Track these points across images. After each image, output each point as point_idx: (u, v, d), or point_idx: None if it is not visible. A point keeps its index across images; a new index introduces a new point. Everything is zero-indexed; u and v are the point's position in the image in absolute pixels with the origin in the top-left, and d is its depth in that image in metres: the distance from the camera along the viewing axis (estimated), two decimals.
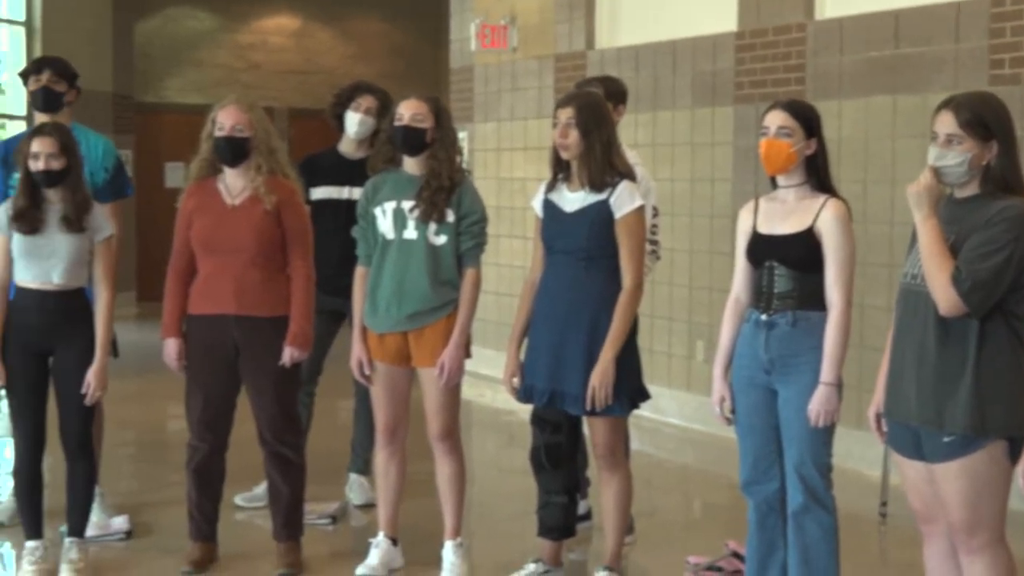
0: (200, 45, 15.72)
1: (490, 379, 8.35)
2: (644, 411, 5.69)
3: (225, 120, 5.07)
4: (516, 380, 4.98)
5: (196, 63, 15.71)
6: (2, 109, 14.12)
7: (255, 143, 5.08)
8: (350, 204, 5.94)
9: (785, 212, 4.32)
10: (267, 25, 16.07)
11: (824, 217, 4.25)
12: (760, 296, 4.34)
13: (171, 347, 5.17)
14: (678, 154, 8.61)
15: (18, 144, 5.47)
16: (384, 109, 6.12)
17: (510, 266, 9.70)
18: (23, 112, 13.55)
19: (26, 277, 5.03)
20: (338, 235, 5.76)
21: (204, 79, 15.64)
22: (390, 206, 5.07)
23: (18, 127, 13.51)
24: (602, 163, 4.81)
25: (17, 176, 5.23)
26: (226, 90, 14.68)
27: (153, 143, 15.18)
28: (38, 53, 13.18)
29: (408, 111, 5.04)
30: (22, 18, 13.58)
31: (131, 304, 14.14)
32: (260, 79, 15.76)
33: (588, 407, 4.77)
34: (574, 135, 4.80)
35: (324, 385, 6.32)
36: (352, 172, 6.03)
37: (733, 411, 4.44)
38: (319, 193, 6.07)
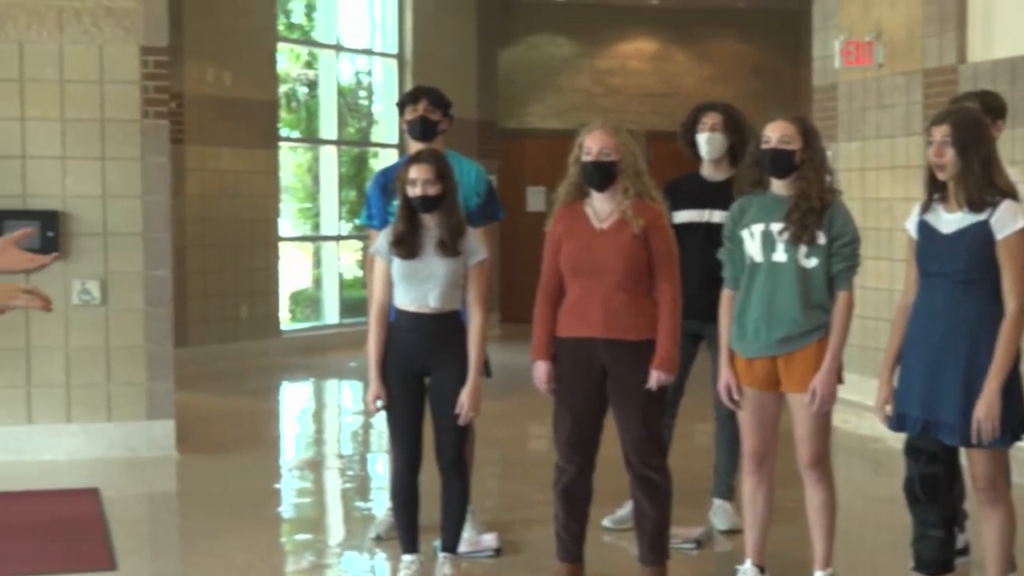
0: (561, 71, 16.05)
1: (855, 405, 8.11)
2: None
3: (592, 144, 5.12)
4: (889, 408, 4.80)
5: (556, 89, 16.05)
6: (376, 138, 14.83)
7: (622, 167, 5.11)
8: (709, 227, 5.91)
9: None
10: (626, 49, 16.25)
11: None
12: None
13: (541, 369, 5.24)
14: None
15: (396, 172, 5.72)
16: (730, 123, 6.07)
17: (876, 289, 9.40)
18: (395, 140, 14.19)
19: (404, 300, 5.23)
20: (699, 258, 5.74)
21: (564, 104, 15.96)
22: (758, 228, 5.00)
23: (390, 156, 14.17)
24: (981, 182, 4.58)
25: (396, 203, 5.46)
26: (585, 115, 14.92)
27: (515, 168, 15.57)
28: (409, 84, 13.78)
29: (775, 133, 4.96)
30: (395, 51, 14.22)
31: (495, 325, 14.54)
32: (619, 103, 15.94)
33: (973, 440, 4.55)
34: (950, 154, 4.60)
35: (682, 407, 6.29)
36: (714, 195, 6.00)
37: None
38: (681, 217, 6.06)
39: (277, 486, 7.67)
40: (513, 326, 14.25)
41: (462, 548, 5.50)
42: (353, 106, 15.04)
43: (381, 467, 8.13)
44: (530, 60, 16.00)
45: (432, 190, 5.15)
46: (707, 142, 6.16)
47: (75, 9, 7.73)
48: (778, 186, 5.02)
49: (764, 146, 4.98)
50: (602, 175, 5.10)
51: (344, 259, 14.53)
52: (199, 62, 11.85)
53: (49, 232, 7.64)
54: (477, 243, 5.27)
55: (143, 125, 7.87)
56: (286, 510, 7.13)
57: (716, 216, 5.96)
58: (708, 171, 6.24)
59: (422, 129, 5.88)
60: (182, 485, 7.59)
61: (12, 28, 7.68)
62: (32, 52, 7.72)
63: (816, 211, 4.91)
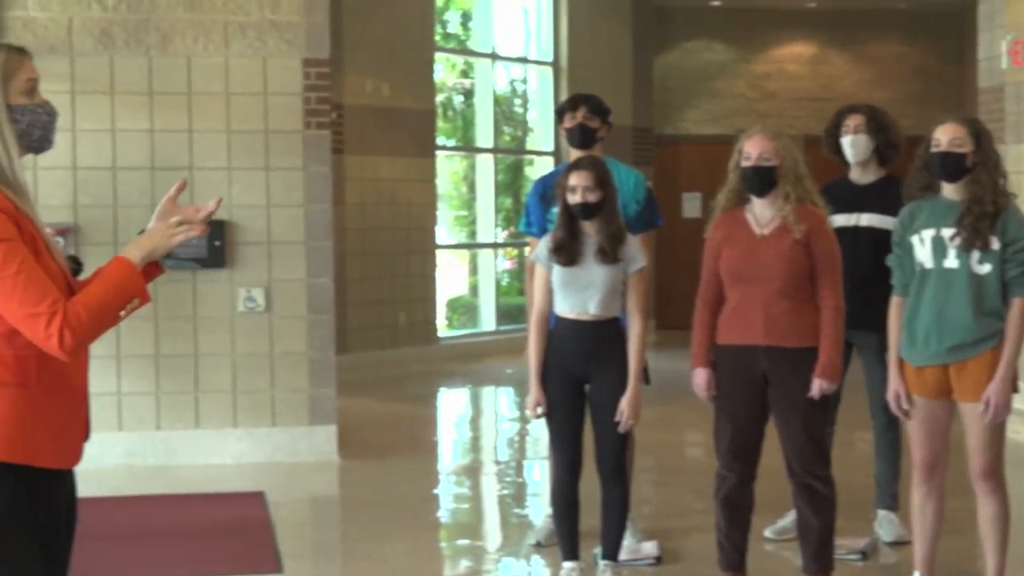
0: (717, 76, 15.92)
1: None
2: None
3: (752, 150, 5.05)
4: None
5: (712, 94, 15.93)
6: (531, 146, 14.89)
7: (782, 171, 5.03)
8: (856, 231, 5.80)
9: None
10: (783, 53, 16.05)
11: None
12: None
13: (700, 376, 5.19)
14: None
15: (556, 179, 5.72)
16: (873, 124, 5.95)
17: None
18: (550, 148, 14.23)
19: (564, 307, 5.24)
20: (847, 263, 5.62)
21: (720, 109, 15.83)
22: (928, 234, 4.88)
23: (545, 163, 14.21)
24: None
25: (555, 210, 5.46)
26: (742, 120, 14.77)
27: (671, 174, 15.49)
28: (564, 92, 13.81)
29: (945, 136, 4.83)
30: (550, 59, 14.26)
31: (651, 332, 14.44)
32: (776, 108, 15.75)
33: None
34: None
35: (840, 415, 6.17)
36: (862, 198, 5.91)
37: None
38: (834, 221, 5.96)
39: (436, 491, 7.74)
40: (668, 332, 14.15)
41: (622, 556, 5.48)
42: (508, 114, 15.13)
43: (537, 473, 8.15)
44: (685, 65, 15.91)
45: (592, 197, 5.14)
46: (851, 144, 6.04)
47: (240, 24, 7.92)
48: (949, 190, 4.89)
49: (934, 149, 4.86)
50: (762, 180, 5.03)
51: (500, 266, 14.61)
52: (358, 73, 12.03)
53: (216, 241, 7.82)
54: (637, 250, 5.25)
55: (305, 136, 8.02)
56: (444, 515, 7.19)
57: (864, 220, 5.87)
58: (856, 174, 6.13)
59: (581, 136, 5.88)
60: (344, 490, 7.70)
61: (180, 43, 7.89)
62: (199, 66, 7.92)
63: (989, 216, 4.78)
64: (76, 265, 2.95)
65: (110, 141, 7.87)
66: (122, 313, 2.81)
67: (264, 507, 6.89)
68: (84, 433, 2.95)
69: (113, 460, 7.74)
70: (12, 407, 2.79)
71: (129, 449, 7.85)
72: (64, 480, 2.92)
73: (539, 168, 14.44)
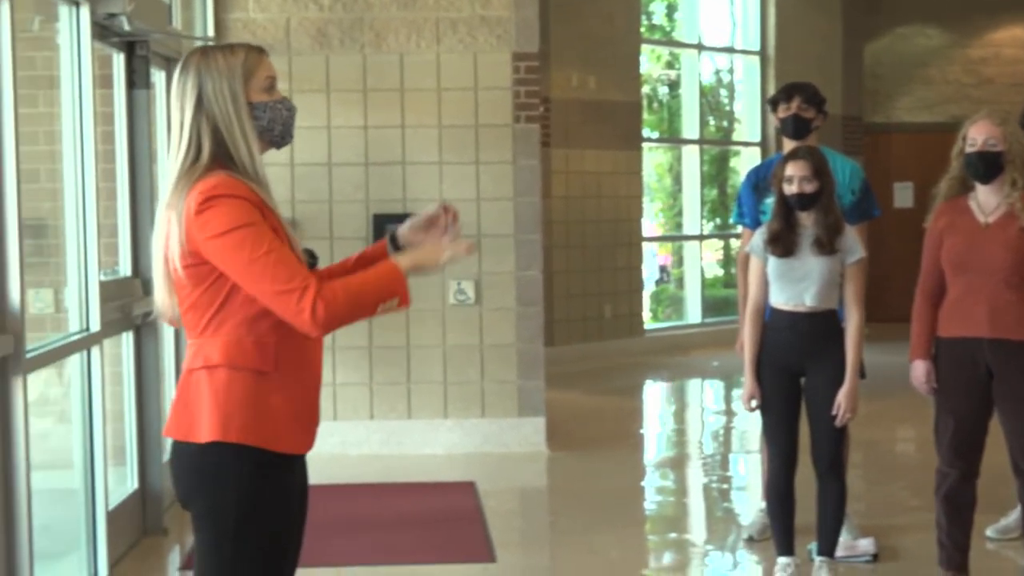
0: (930, 62, 15.48)
1: None
2: None
3: (977, 135, 4.90)
4: None
5: (925, 80, 15.48)
6: (737, 137, 14.73)
7: (1009, 157, 4.87)
8: None
9: None
10: (1000, 37, 15.50)
11: None
12: None
13: (919, 369, 5.06)
14: None
15: (769, 169, 5.65)
16: None
17: None
18: (757, 139, 14.06)
19: (780, 299, 5.17)
20: None
21: (933, 96, 15.38)
22: None
23: (752, 154, 14.04)
24: None
25: (768, 201, 5.38)
26: (956, 107, 14.36)
27: (881, 163, 15.13)
28: (772, 81, 13.62)
29: None
30: (756, 48, 14.08)
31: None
32: (992, 93, 15.21)
33: None
34: None
35: None
36: None
37: None
38: None
39: (642, 484, 7.73)
40: (879, 325, 13.81)
41: (839, 552, 5.37)
42: (714, 105, 14.98)
43: (743, 467, 8.08)
44: (897, 52, 15.50)
45: (809, 187, 5.06)
46: None
47: (451, 20, 8.03)
48: None
49: None
50: (987, 166, 4.88)
51: (706, 258, 14.50)
52: (564, 66, 12.08)
53: None
54: (855, 241, 5.15)
55: (515, 129, 8.09)
56: (651, 508, 7.18)
57: None
58: None
59: (795, 127, 5.79)
60: (552, 481, 7.75)
61: (394, 40, 8.05)
62: (411, 63, 8.06)
63: None
64: (312, 259, 3.02)
65: (326, 137, 8.08)
66: (380, 308, 2.86)
67: (475, 497, 6.98)
68: (317, 420, 3.03)
69: (328, 448, 7.93)
70: (250, 392, 2.87)
71: (343, 438, 8.05)
72: (295, 467, 2.99)
73: (746, 159, 14.28)
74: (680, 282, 14.32)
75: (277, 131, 2.97)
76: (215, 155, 2.90)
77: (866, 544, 5.75)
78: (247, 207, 2.83)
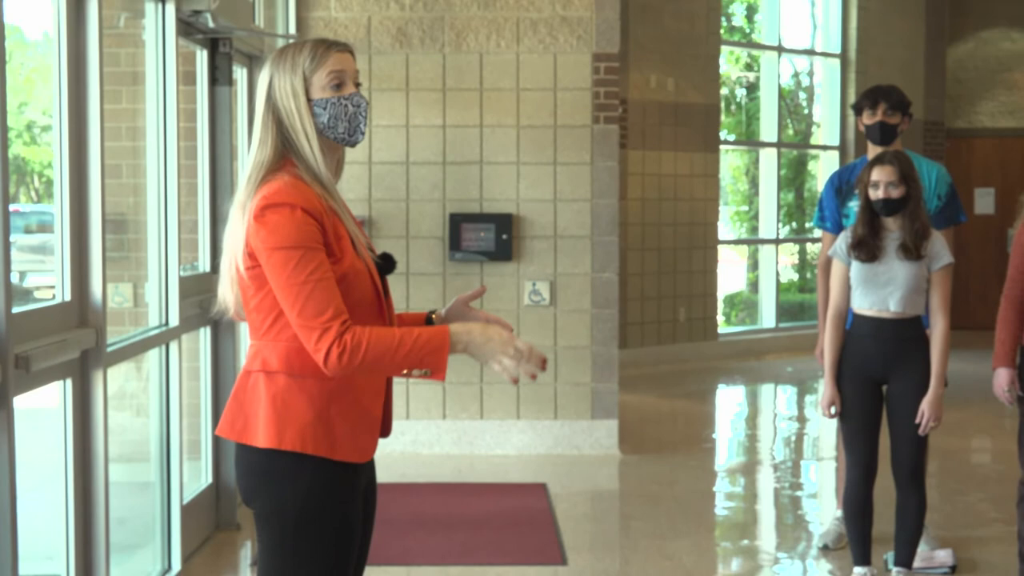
0: (1014, 67, 15.23)
1: None
2: None
3: None
4: None
5: (1009, 85, 15.25)
6: (815, 140, 14.58)
7: None
8: None
9: None
10: None
11: None
12: None
13: (1003, 377, 4.97)
14: None
15: (852, 173, 5.57)
16: None
17: None
18: (836, 143, 13.91)
19: (863, 305, 5.10)
20: None
21: (1017, 101, 15.15)
22: None
23: (830, 158, 13.89)
24: None
25: (852, 204, 5.31)
26: None
27: (963, 169, 14.92)
28: (853, 84, 13.47)
29: None
30: (837, 51, 13.92)
31: None
32: None
33: None
34: None
35: None
36: None
37: None
38: None
39: (714, 489, 7.66)
40: (960, 333, 13.63)
41: (916, 563, 5.29)
42: (793, 108, 14.84)
43: (815, 474, 7.98)
44: (981, 56, 15.27)
45: (895, 192, 4.99)
46: None
47: (531, 20, 8.01)
48: None
49: None
50: None
51: (782, 262, 14.36)
52: (643, 68, 12.02)
53: (503, 235, 7.94)
54: (942, 246, 5.06)
55: (593, 130, 8.06)
56: (723, 513, 7.11)
57: None
58: None
59: (881, 134, 5.70)
60: (624, 484, 7.70)
61: (474, 40, 8.04)
62: (491, 62, 8.05)
63: None
64: (387, 264, 2.98)
65: (404, 136, 8.09)
66: (409, 372, 2.78)
67: (547, 499, 6.95)
68: (380, 429, 2.98)
69: (400, 447, 7.96)
70: (307, 400, 2.84)
71: (415, 438, 8.05)
72: (361, 472, 2.96)
73: (824, 163, 14.13)
74: (754, 286, 14.20)
75: (341, 128, 2.92)
76: (283, 153, 2.89)
77: (944, 556, 5.66)
78: (302, 221, 2.78)
